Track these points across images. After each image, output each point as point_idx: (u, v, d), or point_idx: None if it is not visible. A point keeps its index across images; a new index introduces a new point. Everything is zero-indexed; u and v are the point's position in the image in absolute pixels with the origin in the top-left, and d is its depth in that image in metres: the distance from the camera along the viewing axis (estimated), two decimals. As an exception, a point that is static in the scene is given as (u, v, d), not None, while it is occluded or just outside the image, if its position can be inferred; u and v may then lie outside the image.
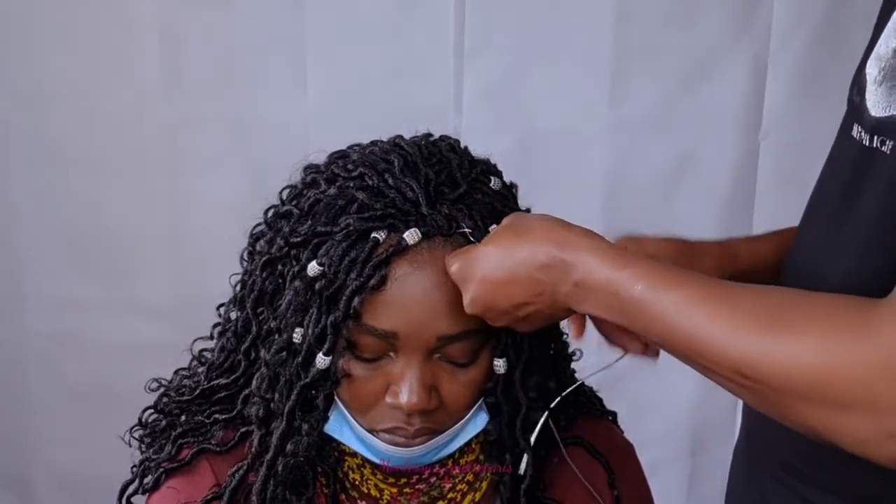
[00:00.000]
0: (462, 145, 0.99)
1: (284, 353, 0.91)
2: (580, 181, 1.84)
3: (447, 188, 0.92)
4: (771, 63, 1.83)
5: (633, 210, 1.82)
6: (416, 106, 1.74)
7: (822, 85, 1.79)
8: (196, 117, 1.79)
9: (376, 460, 0.94)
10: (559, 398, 0.94)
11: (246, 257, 1.00)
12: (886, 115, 0.82)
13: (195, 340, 1.08)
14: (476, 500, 1.00)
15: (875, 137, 0.83)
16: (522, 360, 0.92)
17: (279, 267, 0.93)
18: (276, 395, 0.92)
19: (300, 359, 0.90)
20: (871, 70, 0.87)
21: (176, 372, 1.07)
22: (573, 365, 1.06)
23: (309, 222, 0.91)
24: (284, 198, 0.97)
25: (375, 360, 0.89)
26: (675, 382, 1.85)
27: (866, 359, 0.67)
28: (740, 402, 0.84)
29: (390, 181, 0.90)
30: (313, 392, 0.91)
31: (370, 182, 0.91)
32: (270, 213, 0.98)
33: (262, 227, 0.98)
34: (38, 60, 1.77)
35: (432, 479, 0.99)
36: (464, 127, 1.77)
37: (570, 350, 1.06)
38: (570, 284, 0.81)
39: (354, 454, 0.96)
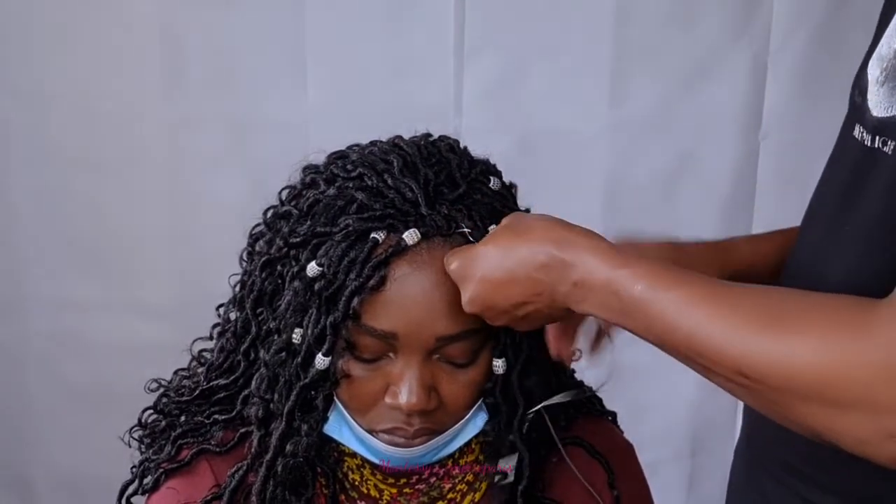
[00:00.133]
0: (462, 145, 0.99)
1: (284, 354, 0.91)
2: (580, 181, 1.84)
3: (446, 188, 0.92)
4: (771, 63, 1.82)
5: (633, 210, 1.82)
6: (416, 106, 1.73)
7: (822, 85, 1.78)
8: (196, 117, 1.79)
9: (376, 461, 0.94)
10: (540, 406, 0.94)
11: (245, 258, 1.00)
12: (888, 115, 0.82)
13: (195, 341, 1.08)
14: (476, 500, 1.00)
15: (877, 138, 0.83)
16: (521, 361, 0.92)
17: (278, 267, 0.93)
18: (276, 396, 0.92)
19: (299, 359, 0.90)
20: (873, 70, 0.87)
21: (175, 372, 1.07)
22: (573, 365, 1.06)
23: (308, 223, 0.91)
24: (284, 198, 0.97)
25: (375, 360, 0.89)
26: (675, 382, 1.85)
27: (866, 359, 0.67)
28: (740, 403, 0.84)
29: (389, 181, 0.90)
30: (313, 392, 0.91)
31: (369, 182, 0.91)
32: (269, 214, 0.98)
33: (262, 227, 0.98)
34: (38, 60, 1.77)
35: (432, 480, 0.99)
36: (464, 127, 1.77)
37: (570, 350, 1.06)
38: (569, 284, 0.81)
39: (354, 454, 0.96)
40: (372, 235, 0.88)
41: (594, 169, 1.84)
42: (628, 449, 1.09)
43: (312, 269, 0.89)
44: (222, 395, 0.99)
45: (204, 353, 1.06)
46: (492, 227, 0.90)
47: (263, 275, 0.94)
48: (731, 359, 0.72)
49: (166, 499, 0.96)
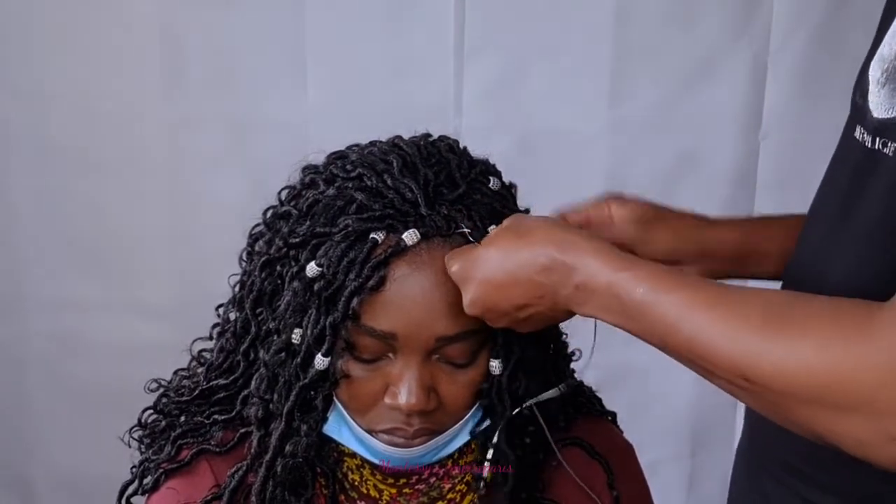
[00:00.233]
0: (461, 145, 0.99)
1: (283, 354, 0.91)
2: (580, 181, 1.82)
3: (446, 189, 0.92)
4: (771, 63, 1.82)
5: (632, 210, 1.82)
6: (416, 106, 1.73)
7: (822, 85, 1.78)
8: (196, 117, 1.79)
9: (375, 461, 0.94)
10: (525, 406, 0.94)
11: (245, 258, 1.00)
12: (889, 116, 0.82)
13: (194, 341, 1.08)
14: (476, 500, 0.99)
15: (877, 139, 0.83)
16: (512, 362, 0.92)
17: (278, 268, 0.93)
18: (275, 396, 0.92)
19: (299, 359, 0.90)
20: (874, 72, 0.87)
21: (175, 372, 1.07)
22: (573, 365, 1.06)
23: (308, 223, 0.91)
24: (283, 198, 0.97)
25: (374, 360, 0.89)
26: (674, 382, 1.85)
27: (868, 362, 0.67)
28: (741, 403, 0.84)
29: (389, 182, 0.90)
30: (312, 393, 0.91)
31: (369, 183, 0.91)
32: (269, 214, 0.98)
33: (261, 227, 0.98)
34: (38, 60, 1.77)
35: (432, 480, 0.99)
36: (464, 127, 1.77)
37: (570, 350, 1.06)
38: (571, 287, 0.81)
39: (353, 455, 0.96)
40: (371, 236, 0.88)
41: (594, 169, 1.84)
42: (628, 449, 1.09)
43: (312, 269, 0.89)
44: (222, 395, 0.99)
45: (204, 354, 1.06)
46: (492, 228, 0.90)
47: (263, 275, 0.94)
48: (733, 362, 0.72)
49: (166, 499, 0.96)
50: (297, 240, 0.91)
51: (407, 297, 0.87)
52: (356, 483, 0.98)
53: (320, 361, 0.89)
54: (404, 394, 0.88)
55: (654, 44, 1.81)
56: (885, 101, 0.84)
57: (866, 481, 0.85)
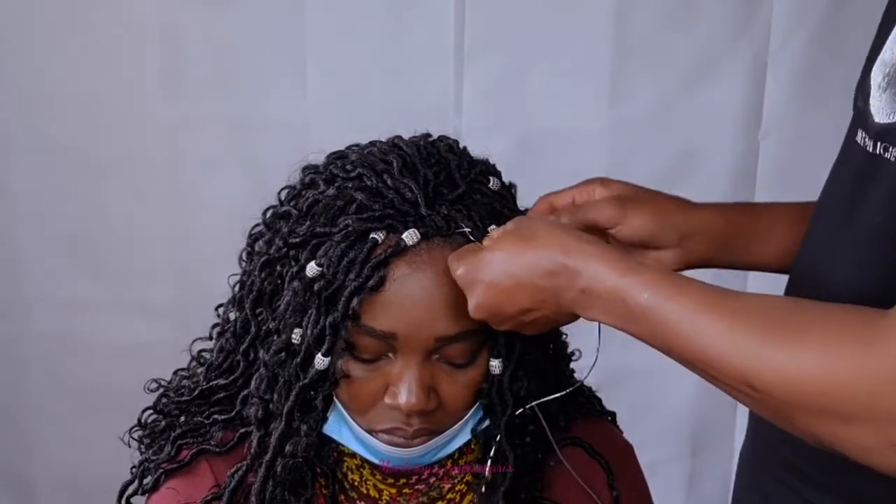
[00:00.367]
0: (461, 145, 0.99)
1: (283, 354, 0.91)
2: (580, 181, 1.83)
3: (446, 189, 0.92)
4: (771, 63, 1.82)
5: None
6: (416, 106, 1.73)
7: (822, 85, 1.79)
8: (196, 117, 1.79)
9: (375, 461, 0.94)
10: (528, 407, 0.94)
11: (245, 258, 1.00)
12: (890, 121, 0.82)
13: (194, 341, 1.08)
14: (475, 500, 0.99)
15: (879, 144, 0.83)
16: (513, 362, 0.92)
17: (278, 268, 0.93)
18: (275, 396, 0.92)
19: (299, 359, 0.90)
20: (876, 76, 0.87)
21: (175, 372, 1.07)
22: (572, 365, 1.06)
23: (307, 223, 0.91)
24: (283, 198, 0.97)
25: (374, 360, 0.89)
26: (675, 382, 1.85)
27: (871, 369, 0.67)
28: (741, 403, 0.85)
29: (389, 182, 0.90)
30: (312, 393, 0.91)
31: (369, 183, 0.91)
32: (269, 214, 0.98)
33: (261, 227, 0.98)
34: (38, 60, 1.77)
35: (431, 480, 0.99)
36: (464, 127, 1.77)
37: (570, 350, 1.06)
38: (576, 291, 0.81)
39: (353, 455, 0.96)
40: (371, 236, 0.88)
41: (594, 169, 1.80)
42: (628, 449, 1.09)
43: (312, 269, 0.89)
44: (222, 395, 0.99)
45: (203, 354, 1.06)
46: (491, 228, 0.90)
47: (263, 275, 0.94)
48: (737, 369, 0.72)
49: (166, 499, 0.96)
50: (297, 240, 0.91)
51: (407, 297, 0.87)
52: (356, 483, 0.98)
53: (320, 361, 0.89)
54: (404, 394, 0.88)
55: (654, 44, 1.81)
56: (886, 105, 0.83)
57: (867, 483, 0.85)
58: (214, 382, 0.99)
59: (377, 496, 0.98)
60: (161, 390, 1.05)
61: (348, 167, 0.93)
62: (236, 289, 0.99)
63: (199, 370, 1.04)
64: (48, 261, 1.86)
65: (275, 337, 0.92)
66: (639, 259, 0.92)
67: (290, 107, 1.79)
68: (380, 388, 0.90)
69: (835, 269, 0.88)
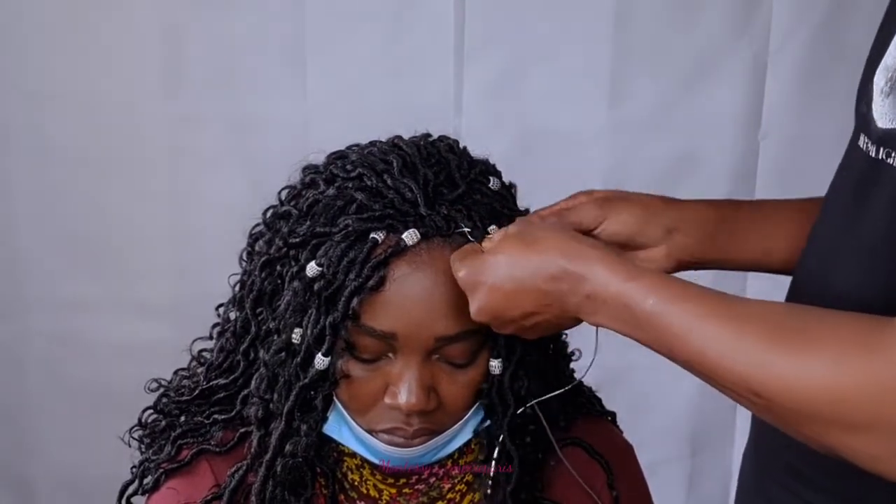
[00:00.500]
0: (461, 145, 0.99)
1: (283, 354, 0.91)
2: (580, 181, 1.80)
3: (446, 189, 0.92)
4: (771, 63, 1.82)
5: (632, 210, 1.82)
6: (416, 106, 1.73)
7: (822, 85, 1.78)
8: (196, 117, 1.79)
9: (375, 461, 0.94)
10: (528, 406, 0.94)
11: (245, 258, 1.00)
12: (893, 126, 0.82)
13: (194, 341, 1.08)
14: (475, 500, 0.99)
15: (881, 149, 0.83)
16: (514, 362, 0.92)
17: (278, 267, 0.93)
18: (275, 396, 0.92)
19: (299, 359, 0.90)
20: (879, 81, 0.86)
21: (175, 372, 1.07)
22: (572, 365, 1.06)
23: (308, 223, 0.91)
24: (283, 198, 0.97)
25: (374, 360, 0.90)
26: (675, 383, 1.85)
27: (878, 377, 0.67)
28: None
29: (389, 182, 0.90)
30: (312, 393, 0.91)
31: (369, 183, 0.91)
32: (269, 214, 0.98)
33: (261, 227, 0.98)
34: (38, 60, 1.77)
35: (431, 480, 0.99)
36: (464, 127, 1.77)
37: (570, 350, 1.06)
38: (580, 296, 0.81)
39: (353, 455, 0.96)
40: (371, 236, 0.88)
41: (594, 169, 1.83)
42: (628, 449, 1.09)
43: (312, 269, 0.89)
44: (222, 395, 0.99)
45: (204, 353, 1.06)
46: (492, 228, 0.90)
47: (263, 275, 0.94)
48: (741, 376, 0.72)
49: (166, 499, 0.96)
50: (297, 240, 0.91)
51: (407, 297, 0.87)
52: (356, 483, 0.98)
53: (320, 361, 0.89)
54: (404, 393, 0.88)
55: (654, 44, 1.81)
56: (889, 111, 0.83)
57: (871, 487, 0.85)
58: (214, 382, 0.99)
59: (377, 496, 0.98)
60: (161, 390, 1.05)
61: (348, 167, 0.93)
62: (236, 288, 0.99)
63: (199, 370, 1.04)
64: (48, 261, 1.86)
65: (275, 337, 0.93)
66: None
67: (289, 107, 1.79)
68: (380, 388, 0.90)
69: (838, 274, 0.87)
